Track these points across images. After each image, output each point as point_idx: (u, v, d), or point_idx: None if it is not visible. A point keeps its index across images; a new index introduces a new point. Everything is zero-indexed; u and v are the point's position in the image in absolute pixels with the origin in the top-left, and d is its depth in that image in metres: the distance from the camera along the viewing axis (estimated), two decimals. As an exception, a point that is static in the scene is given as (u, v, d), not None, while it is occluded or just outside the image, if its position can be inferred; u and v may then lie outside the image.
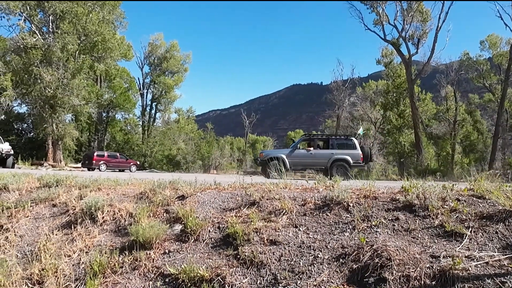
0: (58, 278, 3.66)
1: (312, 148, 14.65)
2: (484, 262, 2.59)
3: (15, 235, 4.68)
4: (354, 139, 15.56)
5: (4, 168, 20.46)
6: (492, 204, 3.25)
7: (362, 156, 14.84)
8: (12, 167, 21.68)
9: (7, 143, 22.74)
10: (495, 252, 2.69)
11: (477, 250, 2.73)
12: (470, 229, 2.96)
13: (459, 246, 2.82)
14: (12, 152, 22.04)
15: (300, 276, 2.93)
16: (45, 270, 3.75)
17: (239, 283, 3.05)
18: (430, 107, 41.77)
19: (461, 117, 40.50)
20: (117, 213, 4.53)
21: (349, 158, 14.57)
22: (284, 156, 14.05)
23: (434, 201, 3.36)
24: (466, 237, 2.89)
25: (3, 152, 21.14)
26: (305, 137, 15.56)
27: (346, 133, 42.79)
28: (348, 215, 3.50)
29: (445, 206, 3.31)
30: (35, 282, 3.72)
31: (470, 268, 2.53)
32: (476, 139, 42.95)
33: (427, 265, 2.64)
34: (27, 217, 5.07)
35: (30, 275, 3.78)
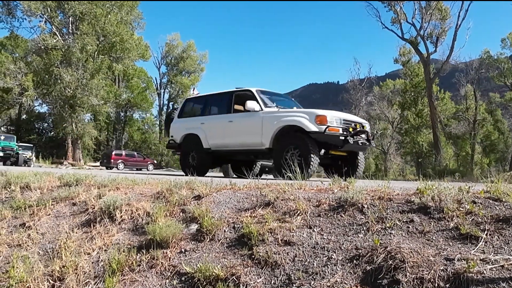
0: (78, 275, 3.77)
1: None
2: (499, 265, 2.57)
3: (37, 232, 4.82)
4: None
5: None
6: (509, 207, 3.21)
7: None
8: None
9: None
10: (511, 256, 2.67)
11: (492, 253, 2.71)
12: (485, 232, 2.93)
13: (474, 249, 2.80)
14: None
15: (314, 277, 2.96)
16: (65, 267, 3.86)
17: (254, 283, 3.09)
18: (449, 106, 41.18)
19: (481, 117, 39.78)
20: (135, 212, 4.63)
21: None
22: None
23: (449, 203, 3.34)
24: (482, 240, 2.87)
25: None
26: None
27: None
28: (362, 217, 3.51)
29: (461, 209, 3.28)
30: (56, 278, 3.84)
31: (485, 271, 2.52)
32: (497, 139, 42.13)
33: (441, 268, 2.64)
34: (48, 215, 5.22)
35: (51, 271, 3.91)
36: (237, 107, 9.40)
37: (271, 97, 9.36)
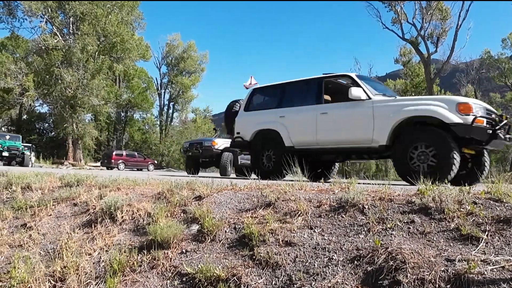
0: (79, 275, 3.77)
1: None
2: (500, 266, 2.57)
3: (38, 233, 4.83)
4: None
5: None
6: (509, 208, 3.21)
7: None
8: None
9: None
10: (512, 257, 2.67)
11: (493, 254, 2.71)
12: (486, 233, 2.94)
13: (475, 250, 2.81)
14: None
15: (315, 278, 2.96)
16: (67, 268, 3.87)
17: (255, 283, 3.09)
18: (449, 106, 41.02)
19: (481, 117, 39.65)
20: (136, 213, 4.64)
21: None
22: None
23: (450, 204, 3.34)
24: (482, 241, 2.87)
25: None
26: None
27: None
28: (363, 217, 3.51)
29: (461, 209, 3.29)
30: (57, 279, 3.84)
31: (485, 272, 2.52)
32: (498, 139, 41.97)
33: (442, 269, 2.64)
34: (50, 215, 5.23)
35: (53, 272, 3.91)
36: (326, 97, 7.89)
37: (369, 83, 7.52)
